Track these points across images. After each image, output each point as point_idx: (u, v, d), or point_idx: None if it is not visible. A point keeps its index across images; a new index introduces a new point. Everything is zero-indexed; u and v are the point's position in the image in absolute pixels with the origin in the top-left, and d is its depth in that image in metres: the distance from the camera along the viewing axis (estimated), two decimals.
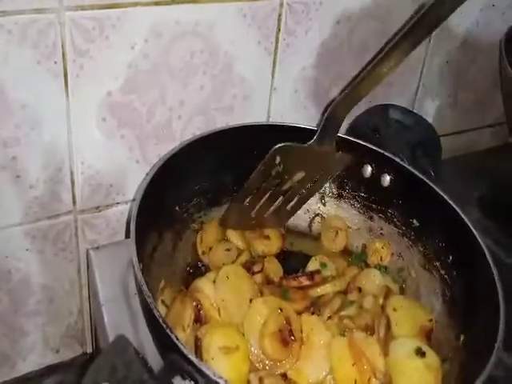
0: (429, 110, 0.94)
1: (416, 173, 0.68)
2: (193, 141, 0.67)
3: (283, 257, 0.72)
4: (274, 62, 0.75)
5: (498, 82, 0.93)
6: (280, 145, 0.63)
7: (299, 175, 0.67)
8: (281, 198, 0.69)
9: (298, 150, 0.64)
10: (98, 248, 0.73)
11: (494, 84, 0.97)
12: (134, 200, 0.73)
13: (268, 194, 0.68)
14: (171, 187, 0.65)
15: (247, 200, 0.67)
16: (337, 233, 0.74)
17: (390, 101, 0.87)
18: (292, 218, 0.74)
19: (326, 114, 0.63)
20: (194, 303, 0.59)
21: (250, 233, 0.72)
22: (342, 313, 0.61)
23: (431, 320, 0.63)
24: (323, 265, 0.70)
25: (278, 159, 0.63)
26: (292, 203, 0.71)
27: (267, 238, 0.72)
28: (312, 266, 0.70)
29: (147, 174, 0.62)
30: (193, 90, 0.71)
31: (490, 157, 1.02)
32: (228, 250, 0.69)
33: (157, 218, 0.63)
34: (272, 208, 0.70)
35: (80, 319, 0.80)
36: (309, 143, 0.64)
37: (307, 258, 0.72)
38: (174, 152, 0.64)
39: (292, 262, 0.72)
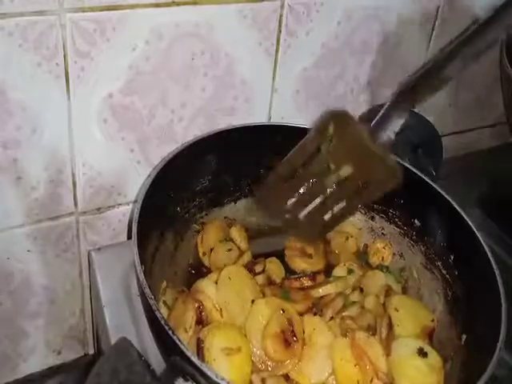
0: (429, 110, 0.94)
1: (417, 172, 0.68)
2: (194, 142, 0.67)
3: (284, 257, 0.72)
4: (275, 63, 0.75)
5: (498, 81, 0.93)
6: (337, 110, 0.57)
7: (346, 170, 0.59)
8: (320, 200, 0.61)
9: (353, 129, 0.57)
10: (99, 249, 0.72)
11: (494, 84, 0.97)
12: (135, 201, 0.73)
13: (309, 184, 0.60)
14: (173, 188, 0.65)
15: (286, 174, 0.60)
16: (347, 239, 0.74)
17: None
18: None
19: (396, 93, 0.56)
20: (196, 304, 0.59)
21: (289, 250, 0.71)
22: (344, 313, 0.62)
23: (433, 320, 0.63)
24: (350, 271, 0.69)
25: (331, 129, 0.57)
26: (330, 214, 0.63)
27: (309, 256, 0.71)
28: (340, 272, 0.70)
29: (149, 176, 0.62)
30: (194, 92, 0.71)
31: (491, 156, 1.02)
32: (229, 250, 0.69)
33: (158, 219, 0.63)
34: (309, 207, 0.62)
35: (82, 320, 0.80)
36: (366, 125, 0.58)
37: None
38: (176, 153, 0.64)
39: None
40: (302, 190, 0.61)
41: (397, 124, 0.58)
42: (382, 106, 0.80)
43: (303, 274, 0.68)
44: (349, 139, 0.58)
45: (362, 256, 0.74)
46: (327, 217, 0.63)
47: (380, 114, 0.58)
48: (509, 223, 0.86)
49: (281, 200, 0.62)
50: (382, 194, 0.65)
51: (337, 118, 0.58)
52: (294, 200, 0.61)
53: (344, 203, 0.62)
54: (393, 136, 0.58)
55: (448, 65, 0.52)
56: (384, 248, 0.73)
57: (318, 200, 0.62)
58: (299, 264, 0.71)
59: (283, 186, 0.61)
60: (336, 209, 0.63)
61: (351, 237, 0.74)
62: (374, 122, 0.58)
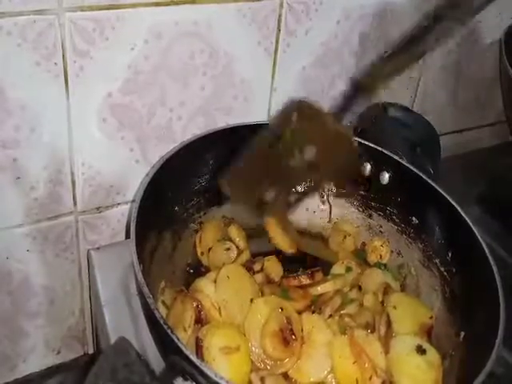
0: (428, 109, 0.94)
1: (415, 170, 0.68)
2: (192, 141, 0.67)
3: (283, 255, 0.72)
4: (274, 62, 0.75)
5: (498, 80, 0.93)
6: (301, 99, 0.59)
7: (310, 151, 0.60)
8: (286, 182, 0.62)
9: (315, 112, 0.59)
10: (98, 248, 0.73)
11: (494, 82, 0.97)
12: (133, 201, 0.73)
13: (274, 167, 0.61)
14: (171, 187, 0.65)
15: (252, 160, 0.62)
16: (345, 237, 0.74)
17: (390, 99, 0.87)
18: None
19: (357, 80, 0.58)
20: (195, 304, 0.59)
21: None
22: (343, 311, 0.62)
23: (431, 317, 0.63)
24: (349, 269, 0.69)
25: (294, 116, 0.59)
26: (296, 194, 0.63)
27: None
28: (338, 269, 0.70)
29: (147, 175, 0.62)
30: (193, 91, 0.71)
31: (491, 155, 1.02)
32: (228, 249, 0.68)
33: (157, 219, 0.63)
34: (275, 190, 0.62)
35: (81, 320, 0.80)
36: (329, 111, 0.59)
37: (307, 256, 0.72)
38: (174, 152, 0.64)
39: (292, 260, 0.71)
40: (267, 174, 0.62)
41: (357, 108, 0.61)
42: (380, 104, 0.80)
43: (302, 272, 0.68)
44: (311, 122, 0.59)
45: (360, 254, 0.74)
46: (293, 197, 0.64)
47: (342, 100, 0.59)
48: (507, 221, 0.86)
49: (248, 185, 0.63)
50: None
51: (300, 105, 0.59)
52: (260, 184, 0.63)
53: (308, 183, 0.63)
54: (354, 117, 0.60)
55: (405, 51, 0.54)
56: (382, 246, 0.73)
57: (283, 182, 0.63)
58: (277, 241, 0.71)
59: (250, 172, 0.62)
60: (301, 189, 0.64)
61: (349, 235, 0.74)
62: (336, 108, 0.60)
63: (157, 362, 0.50)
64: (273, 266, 0.68)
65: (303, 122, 0.59)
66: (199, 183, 0.70)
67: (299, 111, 0.59)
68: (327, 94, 0.82)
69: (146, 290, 0.50)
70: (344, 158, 0.62)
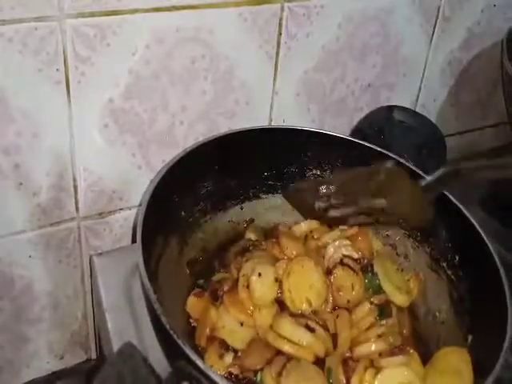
0: (431, 111, 0.94)
1: (421, 173, 0.68)
2: (197, 146, 0.67)
3: None
4: (276, 66, 0.75)
5: (500, 81, 0.93)
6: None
7: (380, 202, 0.65)
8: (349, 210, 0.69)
9: (403, 178, 0.65)
10: (101, 254, 0.72)
11: (496, 83, 0.97)
12: (140, 205, 0.73)
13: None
14: (177, 192, 0.65)
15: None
16: None
17: (392, 102, 0.87)
18: None
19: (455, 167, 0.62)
20: None
21: None
22: None
23: None
24: None
25: (383, 174, 0.65)
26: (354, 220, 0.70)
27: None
28: None
29: (151, 182, 0.62)
30: (195, 96, 0.71)
31: (493, 156, 1.01)
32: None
33: (163, 223, 0.62)
34: (339, 211, 0.69)
35: (84, 325, 0.79)
36: (422, 183, 0.64)
37: None
38: (179, 157, 0.64)
39: None
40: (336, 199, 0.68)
41: (442, 189, 0.64)
42: (386, 107, 0.80)
43: None
44: (397, 183, 0.65)
45: None
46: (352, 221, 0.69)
47: (433, 177, 0.63)
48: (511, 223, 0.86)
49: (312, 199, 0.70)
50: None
51: (390, 170, 0.65)
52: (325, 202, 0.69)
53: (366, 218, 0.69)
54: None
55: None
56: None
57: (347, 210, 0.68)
58: None
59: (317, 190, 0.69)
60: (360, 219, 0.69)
61: None
62: (425, 183, 0.64)
63: (161, 366, 0.50)
64: None
65: (389, 179, 0.65)
66: (205, 188, 0.69)
67: (388, 173, 0.65)
68: (329, 97, 0.82)
69: (152, 296, 0.50)
70: (415, 221, 0.67)
